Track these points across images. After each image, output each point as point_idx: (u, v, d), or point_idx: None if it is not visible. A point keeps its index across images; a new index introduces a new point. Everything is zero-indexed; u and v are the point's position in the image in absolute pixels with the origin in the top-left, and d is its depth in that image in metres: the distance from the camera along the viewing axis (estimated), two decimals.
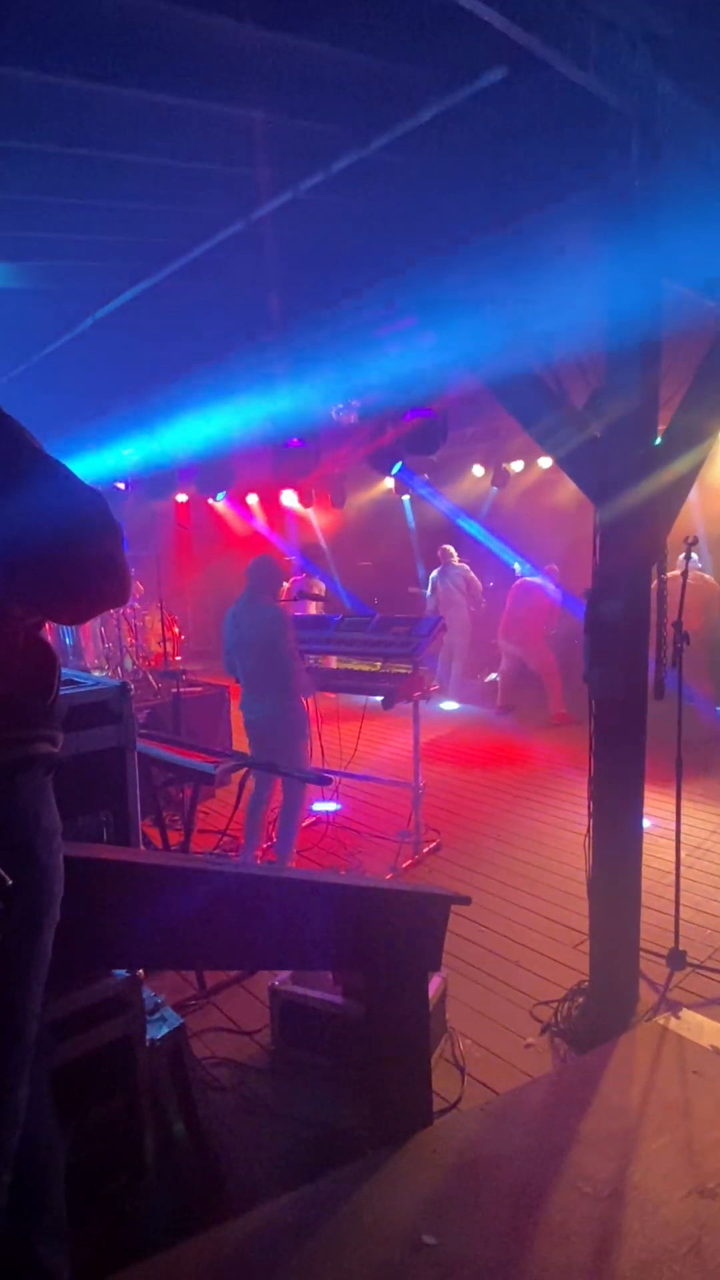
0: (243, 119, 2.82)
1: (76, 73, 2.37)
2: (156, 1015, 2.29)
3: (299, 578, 8.59)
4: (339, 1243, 1.99)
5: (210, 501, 10.79)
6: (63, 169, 2.98)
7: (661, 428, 2.95)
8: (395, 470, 5.82)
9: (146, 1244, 1.96)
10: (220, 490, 6.83)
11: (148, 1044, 2.17)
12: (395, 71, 2.63)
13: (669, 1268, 1.90)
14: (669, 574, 3.17)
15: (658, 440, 2.91)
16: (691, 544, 3.34)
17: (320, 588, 8.28)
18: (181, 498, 10.31)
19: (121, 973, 2.08)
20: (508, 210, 3.12)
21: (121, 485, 7.48)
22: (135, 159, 2.97)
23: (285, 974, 2.90)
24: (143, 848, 2.60)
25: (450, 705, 8.58)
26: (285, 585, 4.62)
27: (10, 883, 1.04)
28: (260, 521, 11.69)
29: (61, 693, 1.27)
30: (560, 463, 3.14)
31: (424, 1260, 1.93)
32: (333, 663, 5.34)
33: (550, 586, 7.83)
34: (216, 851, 4.70)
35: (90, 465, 7.09)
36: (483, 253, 3.44)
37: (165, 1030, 2.26)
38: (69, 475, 1.14)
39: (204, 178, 3.22)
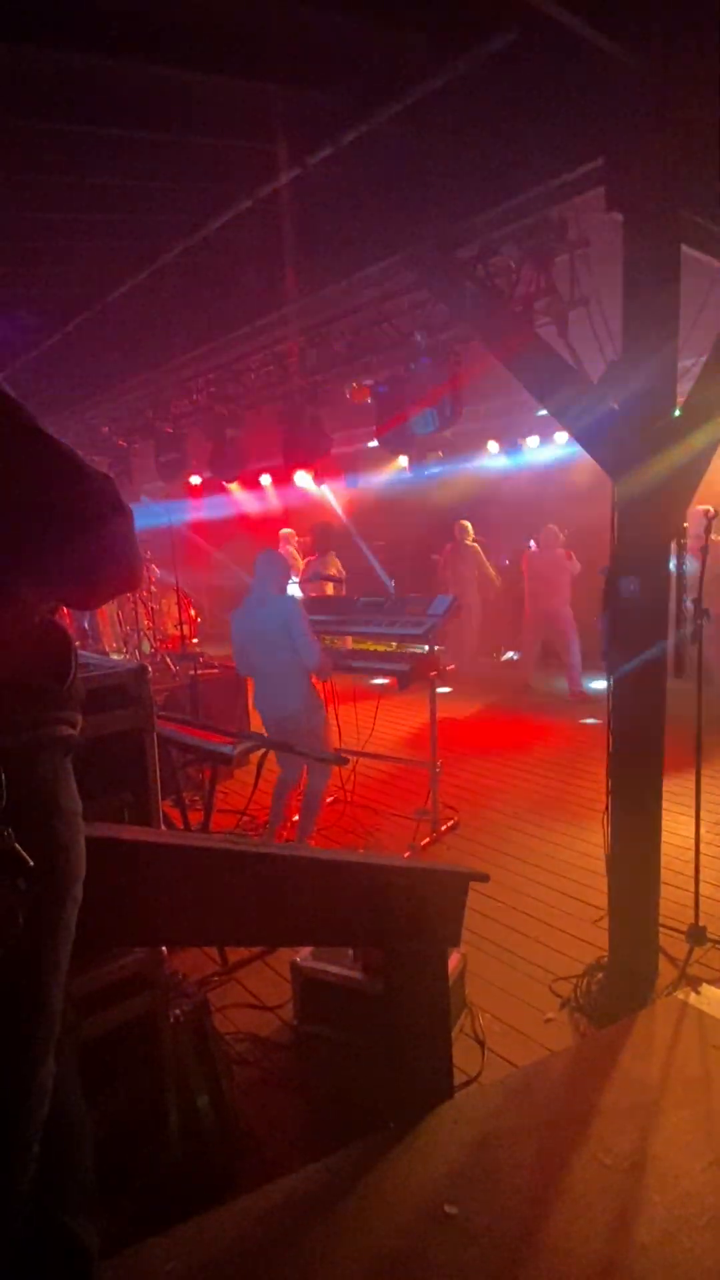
0: (251, 92, 2.77)
1: (81, 48, 2.34)
2: (180, 991, 2.32)
3: (313, 558, 8.57)
4: (362, 1213, 2.02)
5: (224, 483, 10.79)
6: (65, 147, 2.95)
7: (680, 399, 2.90)
8: (404, 463, 5.78)
9: (172, 1214, 2.00)
10: (233, 471, 6.81)
11: (171, 1019, 2.20)
12: (403, 38, 2.57)
13: (689, 1238, 1.92)
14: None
15: (676, 412, 2.86)
16: (711, 518, 3.29)
17: (337, 565, 8.24)
18: (195, 480, 10.31)
19: (145, 950, 2.11)
20: (519, 177, 3.05)
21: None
22: (140, 136, 2.94)
23: (306, 950, 2.93)
24: (163, 828, 2.62)
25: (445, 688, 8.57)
26: (295, 573, 4.61)
27: (32, 864, 1.05)
28: (274, 502, 11.67)
29: (79, 676, 1.28)
30: (577, 437, 3.10)
31: (446, 1230, 1.96)
32: (349, 643, 5.35)
33: (560, 553, 7.80)
34: (236, 831, 4.75)
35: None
36: (495, 222, 3.39)
37: (188, 1006, 2.29)
38: (75, 457, 1.13)
39: (211, 154, 3.18)
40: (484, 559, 9.06)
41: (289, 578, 4.61)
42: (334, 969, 2.82)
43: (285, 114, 2.96)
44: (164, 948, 2.18)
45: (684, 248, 2.81)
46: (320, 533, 8.68)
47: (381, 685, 5.37)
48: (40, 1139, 1.17)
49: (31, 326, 5.16)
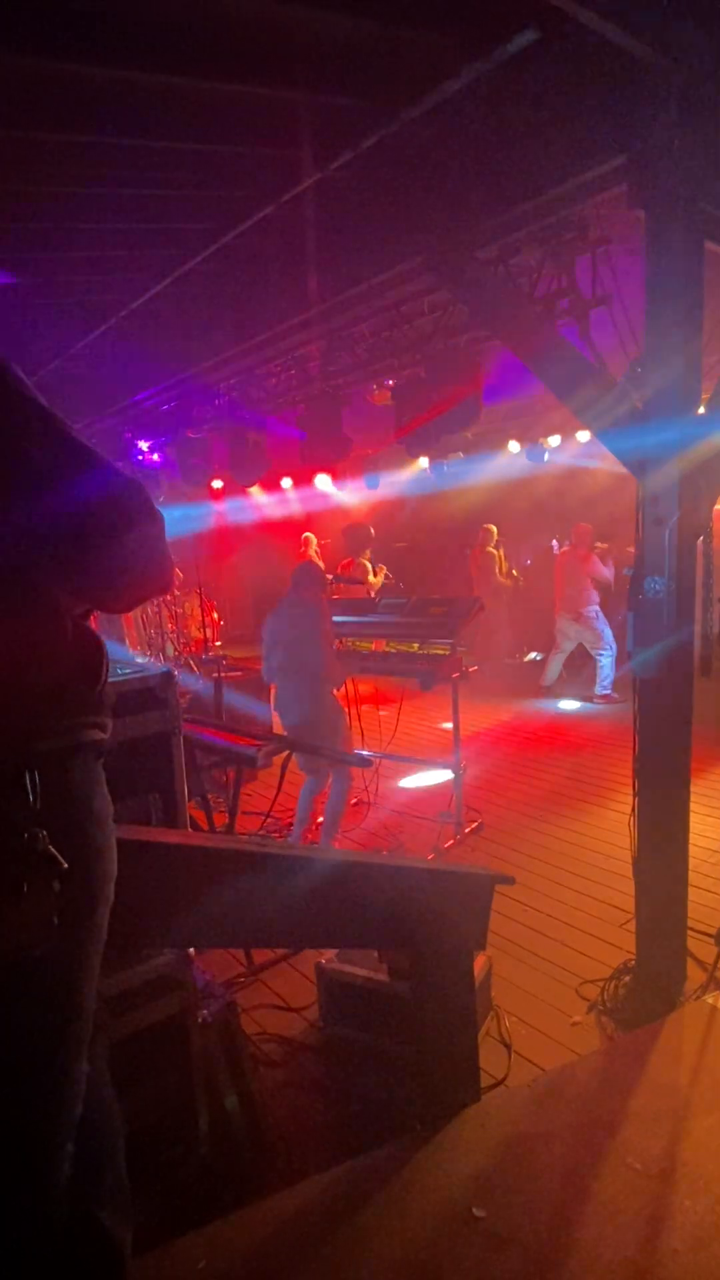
0: (272, 99, 2.79)
1: (101, 61, 2.37)
2: (207, 993, 2.34)
3: (345, 563, 8.55)
4: (390, 1215, 2.02)
5: (246, 488, 10.84)
6: (90, 158, 2.99)
7: (704, 396, 2.87)
8: (425, 464, 5.74)
9: (201, 1213, 2.02)
10: (255, 475, 6.84)
11: (199, 1020, 2.22)
12: (424, 40, 2.57)
13: None
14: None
15: (700, 409, 2.83)
16: None
17: (366, 569, 8.17)
18: (217, 484, 10.38)
19: (173, 952, 2.13)
20: (541, 178, 3.04)
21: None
22: (161, 145, 2.97)
23: (331, 952, 2.94)
24: (190, 829, 2.65)
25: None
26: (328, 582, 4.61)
27: (65, 865, 1.07)
28: (295, 506, 11.70)
29: (109, 680, 1.30)
30: (600, 436, 3.08)
31: (475, 1233, 1.96)
32: (371, 645, 5.35)
33: (589, 538, 7.75)
34: (261, 833, 4.77)
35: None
36: (516, 222, 3.38)
37: (216, 1007, 2.31)
38: (108, 463, 1.15)
39: (233, 161, 3.21)
40: (494, 567, 9.06)
41: (324, 588, 4.63)
42: (359, 971, 2.82)
43: (306, 119, 2.98)
44: (191, 949, 2.20)
45: (708, 244, 2.79)
46: (351, 535, 8.65)
47: (403, 686, 5.36)
48: (75, 1138, 1.19)
49: (57, 333, 5.24)
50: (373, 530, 8.38)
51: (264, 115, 2.89)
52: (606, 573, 7.75)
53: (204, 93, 2.67)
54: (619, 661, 7.46)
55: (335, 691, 4.51)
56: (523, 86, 2.84)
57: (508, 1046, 2.80)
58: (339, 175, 3.18)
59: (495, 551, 9.14)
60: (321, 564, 9.28)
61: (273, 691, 4.69)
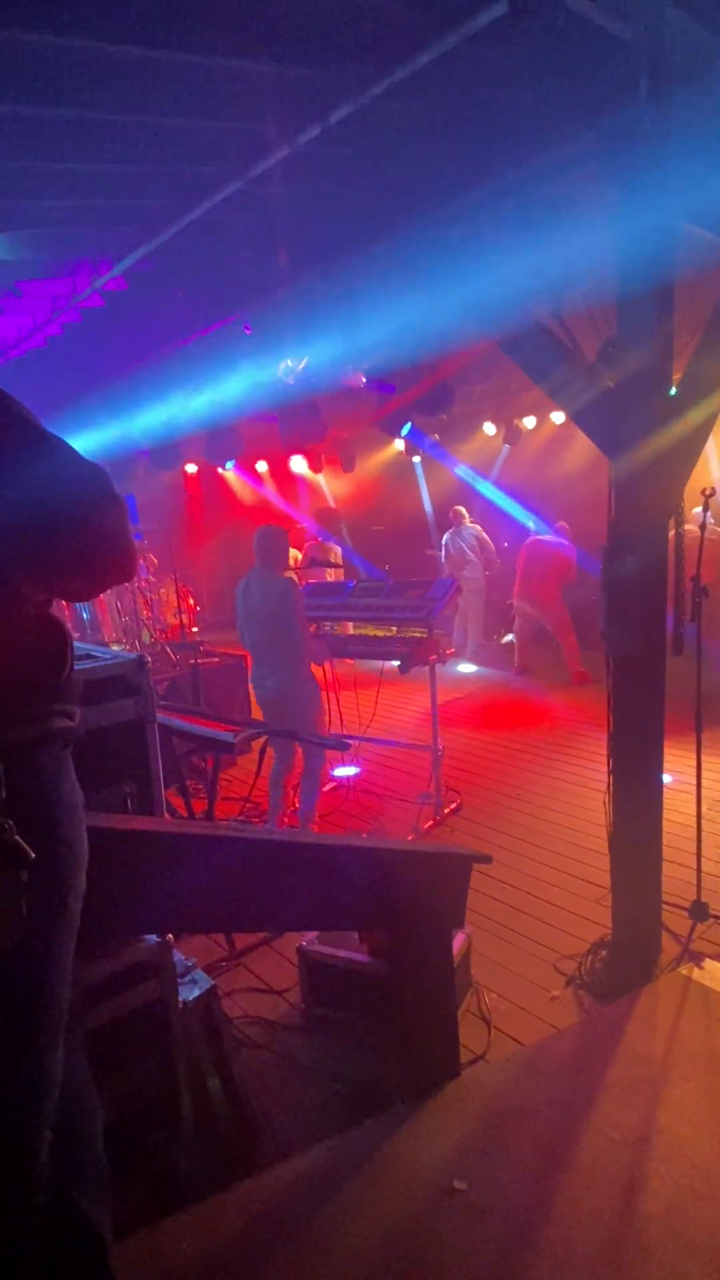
0: (237, 71, 2.73)
1: (55, 30, 2.30)
2: (188, 977, 2.34)
3: (313, 543, 8.54)
4: (372, 1189, 2.05)
5: (219, 470, 10.76)
6: (52, 132, 2.91)
7: (676, 377, 2.88)
8: (404, 433, 5.73)
9: (187, 1196, 2.03)
10: (229, 458, 6.79)
11: (181, 1005, 2.23)
12: (392, 12, 2.53)
13: (696, 1208, 1.95)
14: (685, 527, 3.13)
15: (673, 390, 2.84)
16: (709, 496, 3.28)
17: (336, 554, 8.21)
18: (191, 468, 10.28)
19: (153, 938, 2.12)
20: (512, 155, 3.02)
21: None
22: (126, 119, 2.90)
23: (313, 934, 2.95)
24: (167, 817, 2.64)
25: (468, 668, 8.58)
26: (295, 554, 4.54)
27: (34, 856, 1.06)
28: (271, 489, 11.63)
29: (78, 668, 1.28)
30: (574, 417, 3.08)
31: (456, 1205, 1.99)
32: (349, 628, 5.35)
33: (564, 543, 7.76)
34: (240, 818, 4.77)
35: (101, 438, 7.06)
36: (487, 201, 3.35)
37: (197, 991, 2.31)
38: (69, 450, 1.13)
39: (199, 135, 3.14)
40: (485, 538, 9.05)
41: (287, 555, 4.54)
42: (340, 953, 2.84)
43: (273, 93, 2.92)
44: (171, 935, 2.20)
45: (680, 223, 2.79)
46: (324, 518, 8.63)
47: (381, 669, 5.37)
48: (51, 1125, 1.19)
49: (23, 317, 5.12)
50: (338, 515, 8.36)
51: (230, 87, 2.83)
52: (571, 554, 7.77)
53: (165, 64, 2.60)
54: (591, 641, 7.52)
55: (314, 667, 4.48)
56: (493, 61, 2.81)
57: (487, 1022, 2.84)
58: (307, 151, 3.12)
59: (477, 525, 9.14)
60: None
61: (249, 668, 4.65)
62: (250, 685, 4.60)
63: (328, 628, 5.17)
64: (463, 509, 9.20)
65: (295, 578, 4.44)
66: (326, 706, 4.63)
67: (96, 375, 6.52)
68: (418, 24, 2.55)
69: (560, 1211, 1.96)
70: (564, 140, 2.82)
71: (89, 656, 2.14)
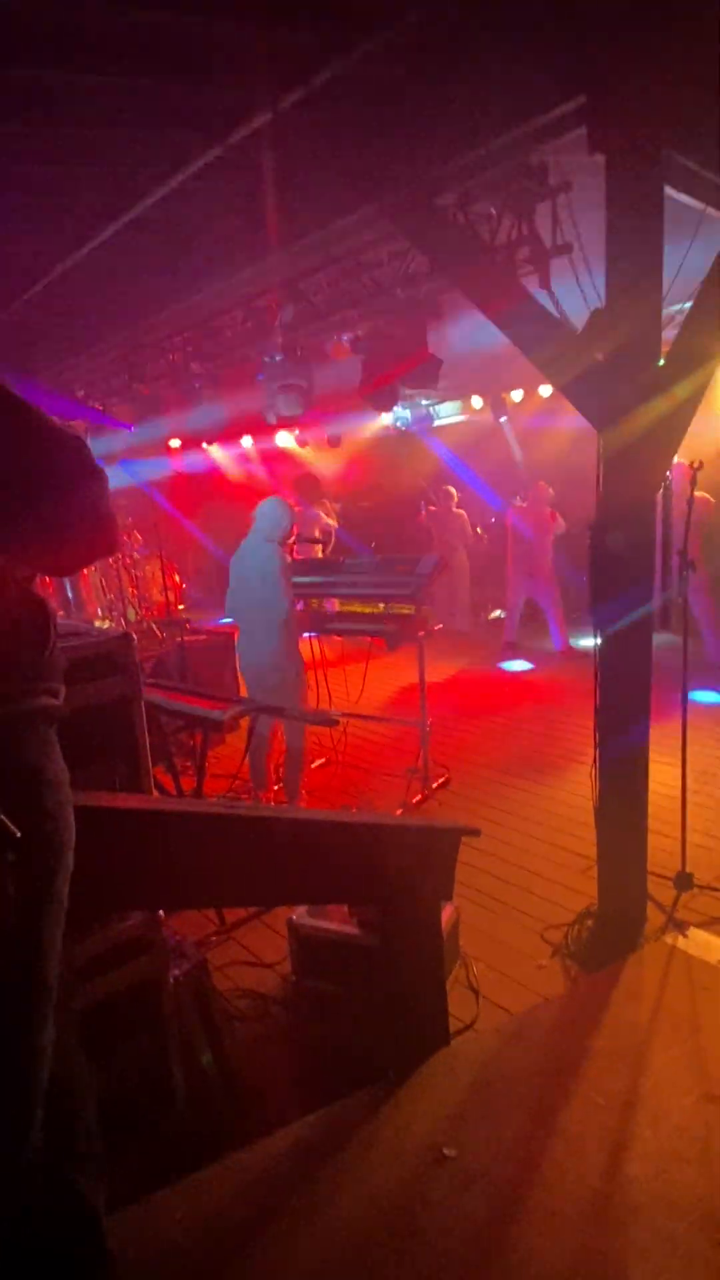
0: (219, 33, 2.65)
1: None
2: (179, 953, 2.35)
3: (301, 510, 8.46)
4: (363, 1158, 2.08)
5: (203, 445, 10.63)
6: (28, 95, 2.82)
7: (665, 349, 2.85)
8: (393, 412, 5.65)
9: (180, 1169, 2.05)
10: (212, 433, 6.71)
11: (171, 980, 2.24)
12: None
13: (681, 1170, 1.99)
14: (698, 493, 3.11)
15: (661, 362, 2.82)
16: (697, 469, 3.27)
17: (322, 525, 8.10)
18: (174, 443, 10.15)
19: (142, 914, 2.13)
20: (499, 117, 2.95)
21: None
22: (104, 82, 2.81)
23: (302, 907, 2.97)
24: (156, 794, 2.63)
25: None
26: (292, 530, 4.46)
27: (19, 835, 1.05)
28: (256, 464, 11.50)
29: (63, 645, 1.26)
30: (563, 390, 3.05)
31: (445, 1172, 2.03)
32: (335, 605, 5.33)
33: (550, 494, 7.75)
34: (229, 795, 4.77)
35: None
36: (473, 167, 3.28)
37: (188, 966, 2.33)
38: (44, 419, 1.09)
39: (180, 99, 3.05)
40: (468, 526, 9.09)
41: (286, 529, 4.43)
42: (330, 925, 2.86)
43: (255, 55, 2.83)
44: (161, 911, 2.20)
45: (668, 190, 2.74)
46: (304, 486, 8.53)
47: (369, 646, 5.36)
48: (44, 1102, 1.19)
49: None
50: (320, 482, 8.27)
51: (210, 50, 2.74)
52: (561, 528, 7.77)
53: (144, 26, 2.52)
54: (578, 615, 7.54)
55: (299, 638, 4.46)
56: (479, 24, 2.73)
57: (476, 992, 2.88)
58: (290, 115, 3.04)
59: (461, 512, 9.14)
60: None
61: (235, 635, 4.62)
62: (237, 651, 4.57)
63: (314, 605, 5.15)
64: (452, 490, 9.17)
65: (286, 553, 4.40)
66: (313, 683, 4.62)
67: (75, 341, 6.40)
68: None
69: (549, 1176, 2.00)
70: (553, 102, 2.76)
71: (74, 634, 2.11)
